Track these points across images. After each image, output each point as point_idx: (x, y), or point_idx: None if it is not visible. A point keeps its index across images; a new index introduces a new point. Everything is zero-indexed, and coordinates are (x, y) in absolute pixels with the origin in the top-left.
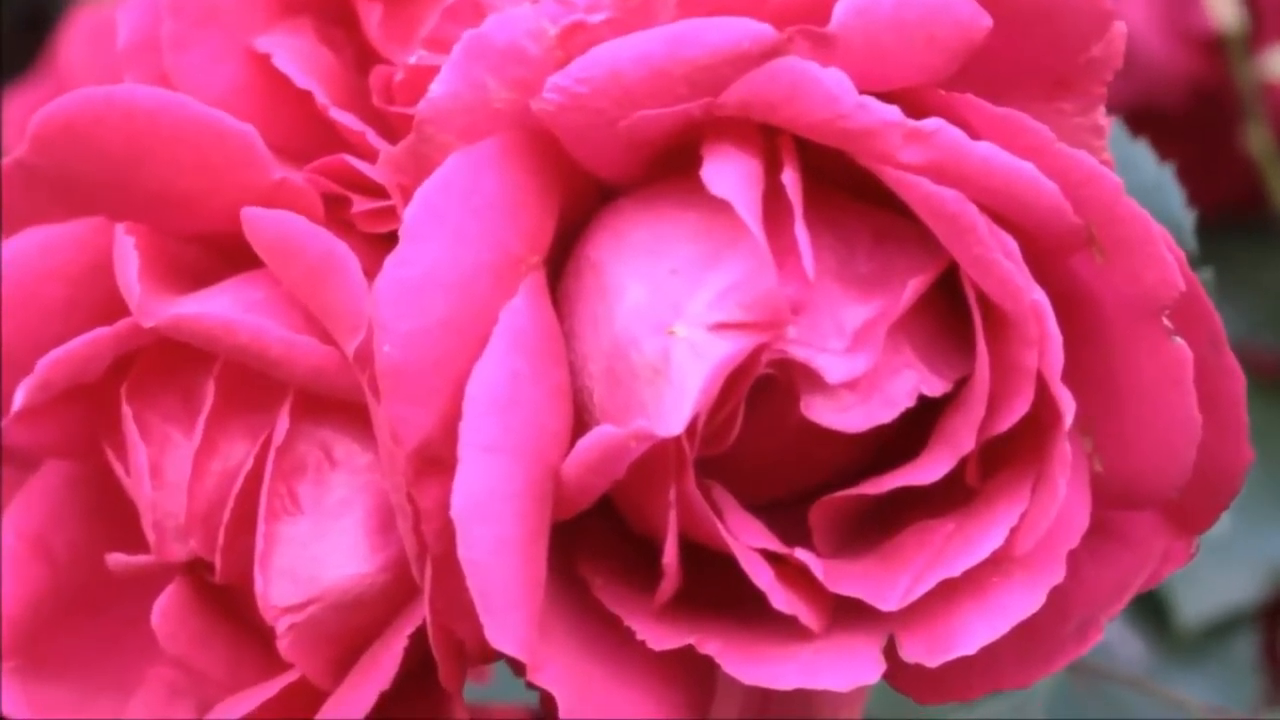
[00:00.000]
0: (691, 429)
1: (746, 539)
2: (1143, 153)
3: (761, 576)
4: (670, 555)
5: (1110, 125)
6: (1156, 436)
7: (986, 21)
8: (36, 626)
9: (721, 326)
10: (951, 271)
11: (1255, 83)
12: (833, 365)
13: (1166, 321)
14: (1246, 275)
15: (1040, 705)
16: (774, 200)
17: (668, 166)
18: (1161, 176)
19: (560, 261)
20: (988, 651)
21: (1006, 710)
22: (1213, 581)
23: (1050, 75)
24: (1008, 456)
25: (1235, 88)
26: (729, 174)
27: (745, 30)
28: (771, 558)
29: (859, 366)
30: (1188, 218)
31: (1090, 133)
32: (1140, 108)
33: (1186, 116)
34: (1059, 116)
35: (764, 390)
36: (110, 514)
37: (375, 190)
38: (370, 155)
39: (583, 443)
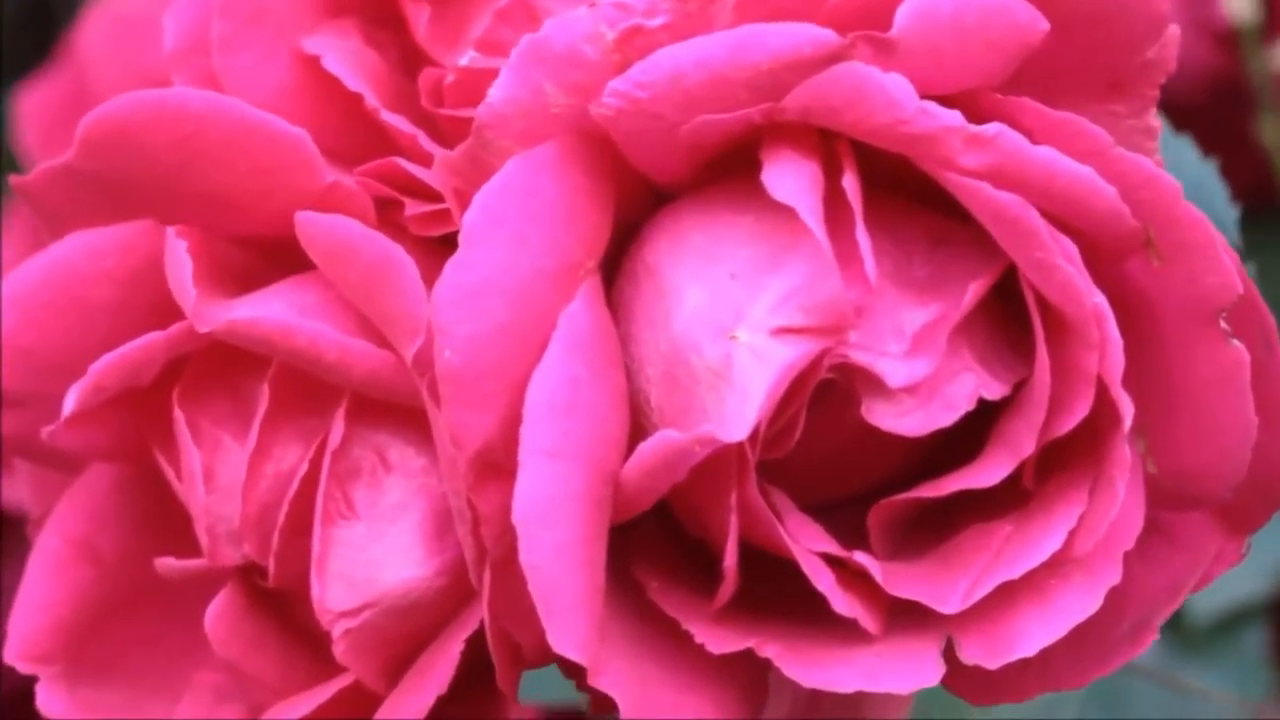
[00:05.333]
0: (754, 434)
1: (807, 543)
2: (1186, 149)
3: (822, 580)
4: (731, 559)
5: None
6: (1211, 438)
7: (1043, 25)
8: (82, 630)
9: (784, 331)
10: (1007, 275)
11: (1269, 75)
12: (894, 369)
13: (1224, 324)
14: (1261, 266)
15: (1074, 701)
16: (833, 204)
17: (722, 170)
18: (1205, 173)
19: (614, 265)
20: (1043, 653)
21: (1040, 707)
22: (1223, 576)
23: (1104, 78)
24: (1063, 459)
25: (1249, 80)
26: (790, 179)
27: (807, 35)
28: (831, 561)
29: (920, 370)
30: (1231, 214)
31: (1143, 135)
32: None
33: (1201, 109)
34: (1112, 119)
35: (823, 394)
36: (157, 517)
37: (427, 193)
38: (420, 158)
39: (644, 447)
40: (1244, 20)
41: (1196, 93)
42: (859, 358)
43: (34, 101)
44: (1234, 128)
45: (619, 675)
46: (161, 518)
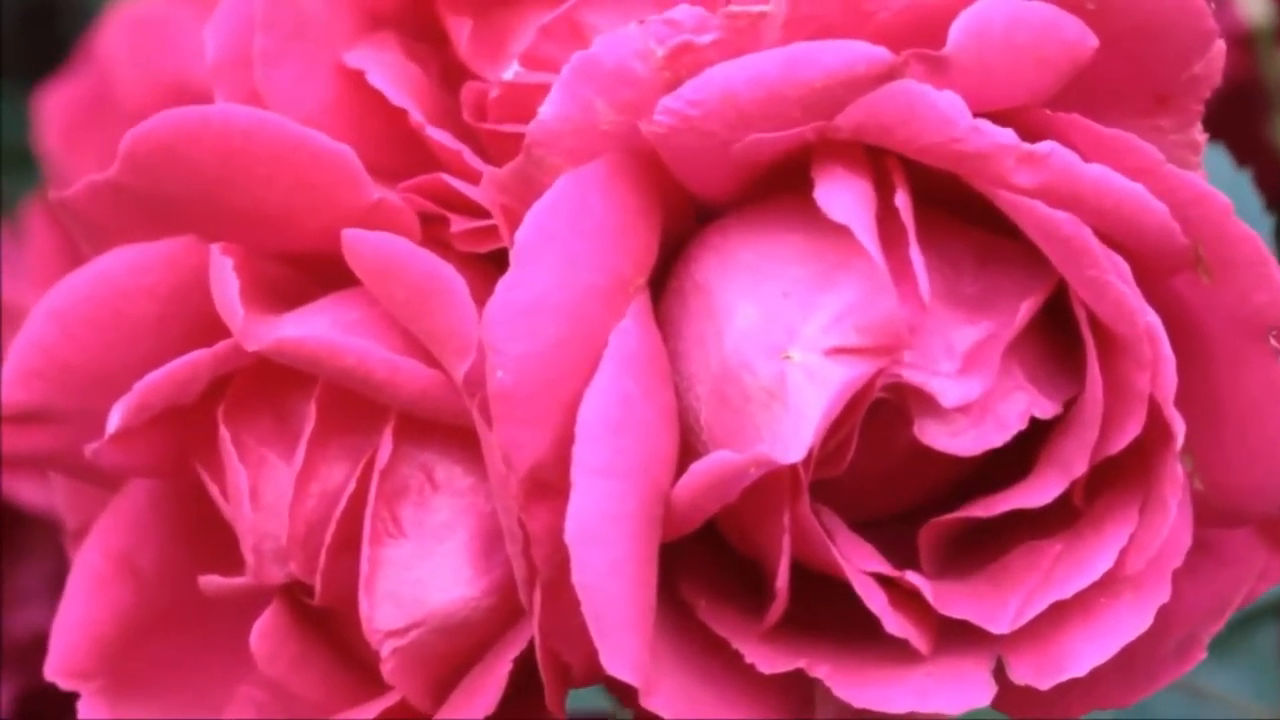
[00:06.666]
0: (807, 454)
1: (858, 562)
2: (1219, 158)
3: (875, 600)
4: (783, 579)
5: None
6: (1259, 455)
7: (1093, 41)
8: (122, 645)
9: (838, 351)
10: (1053, 293)
11: None
12: (947, 389)
13: (1274, 341)
14: None
15: None
16: (884, 222)
17: (768, 188)
18: (1239, 181)
19: (659, 283)
20: (1091, 672)
21: None
22: None
23: (1150, 93)
24: (1112, 477)
25: (1264, 83)
26: (844, 196)
27: (861, 53)
28: (881, 580)
29: (974, 390)
30: (1265, 223)
31: (1188, 149)
32: None
33: (1216, 111)
34: (1157, 134)
35: (874, 413)
36: (196, 534)
37: (472, 209)
38: (464, 174)
39: (697, 466)
40: (1259, 24)
41: (1211, 95)
42: (912, 377)
43: (55, 103)
44: (1249, 130)
45: (670, 695)
46: (201, 534)
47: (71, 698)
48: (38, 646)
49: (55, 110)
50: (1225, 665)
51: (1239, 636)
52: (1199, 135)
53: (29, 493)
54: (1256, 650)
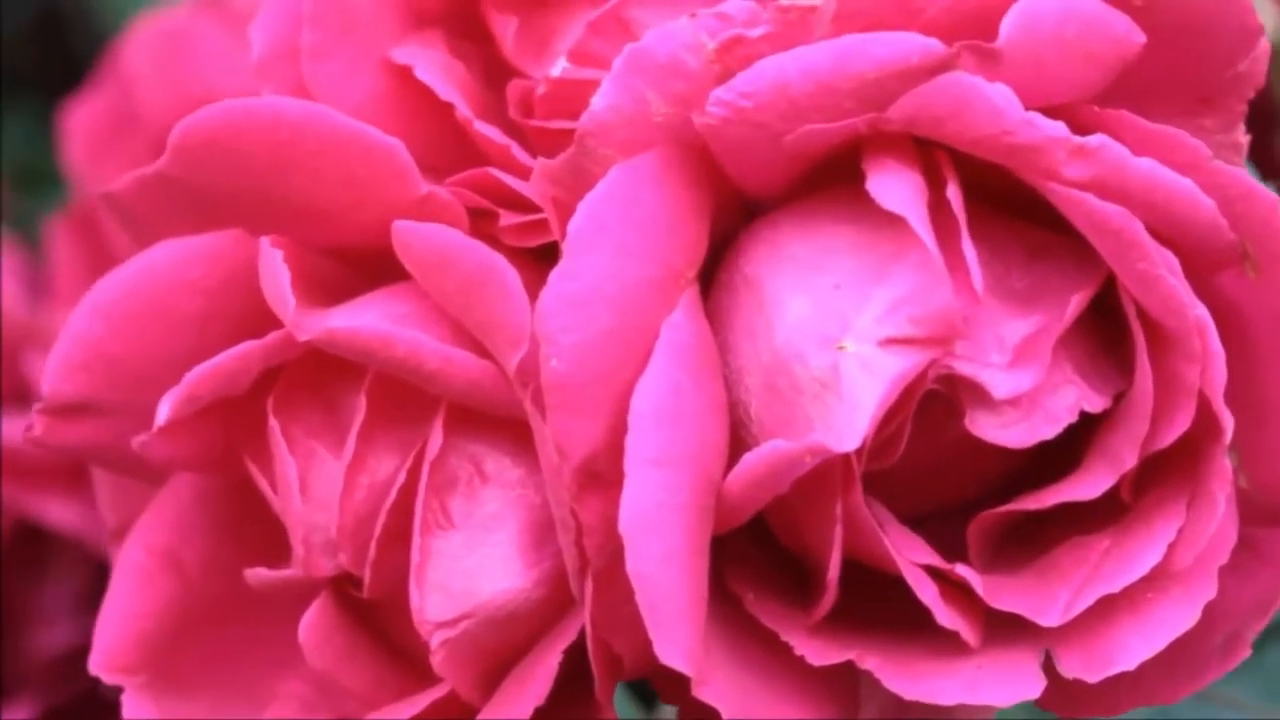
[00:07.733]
0: (861, 444)
1: (909, 554)
2: None
3: (926, 591)
4: (834, 571)
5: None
6: None
7: (1140, 38)
8: (166, 641)
9: (892, 341)
10: (1101, 288)
11: None
12: (999, 380)
13: None
14: None
15: None
16: (935, 214)
17: (816, 182)
18: None
19: (708, 277)
20: (1137, 667)
21: None
22: None
23: (1194, 91)
24: (1160, 472)
25: (1274, 98)
26: (897, 188)
27: (914, 45)
28: (932, 573)
29: (1025, 382)
30: None
31: (1231, 150)
32: None
33: None
34: (1200, 133)
35: (925, 405)
36: (239, 528)
37: (520, 204)
38: (511, 169)
39: (750, 456)
40: (1272, 37)
41: None
42: (964, 369)
43: (78, 118)
44: (1258, 144)
45: (722, 686)
46: (245, 530)
47: (96, 713)
48: (61, 666)
49: (79, 126)
50: (1238, 679)
51: (1255, 651)
52: (1242, 136)
53: (55, 512)
54: (1269, 665)
